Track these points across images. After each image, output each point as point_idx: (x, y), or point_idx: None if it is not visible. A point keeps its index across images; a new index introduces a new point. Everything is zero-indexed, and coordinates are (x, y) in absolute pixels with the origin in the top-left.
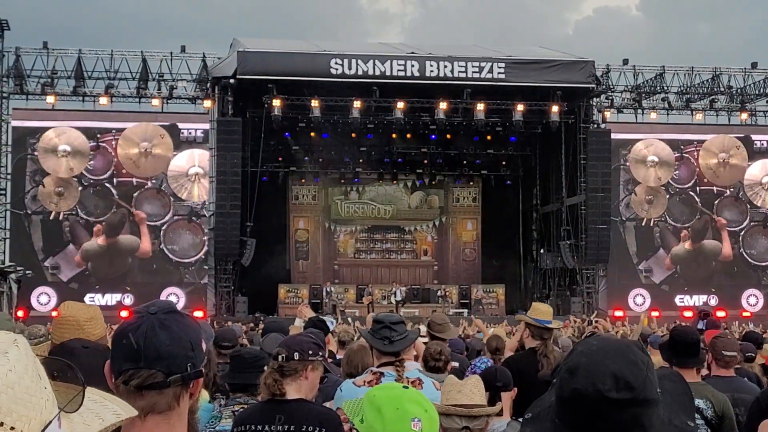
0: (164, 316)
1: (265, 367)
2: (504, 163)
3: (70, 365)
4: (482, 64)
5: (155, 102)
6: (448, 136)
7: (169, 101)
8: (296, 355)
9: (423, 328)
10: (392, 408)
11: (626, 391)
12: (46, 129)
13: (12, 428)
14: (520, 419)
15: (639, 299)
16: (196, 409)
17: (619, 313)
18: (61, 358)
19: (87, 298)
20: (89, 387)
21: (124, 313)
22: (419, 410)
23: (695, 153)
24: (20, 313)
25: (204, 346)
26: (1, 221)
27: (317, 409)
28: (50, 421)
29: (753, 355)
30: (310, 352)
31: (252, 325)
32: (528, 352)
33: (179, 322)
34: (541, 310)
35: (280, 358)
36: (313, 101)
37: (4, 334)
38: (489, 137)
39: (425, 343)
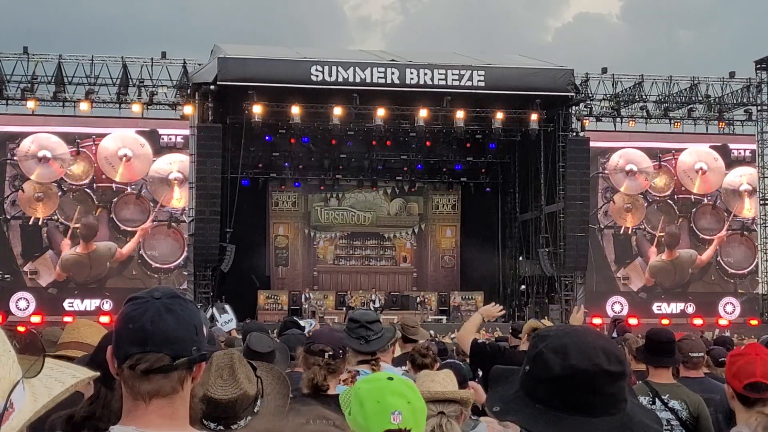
0: (169, 300)
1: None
2: (483, 170)
3: (32, 331)
4: (462, 72)
5: (135, 108)
6: (428, 143)
7: (149, 107)
8: (341, 354)
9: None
10: (373, 401)
11: (617, 364)
12: (26, 134)
13: None
14: None
15: (617, 307)
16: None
17: (597, 321)
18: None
19: (66, 304)
20: (48, 357)
21: (104, 318)
22: (401, 402)
23: (673, 161)
24: None
25: (205, 330)
26: None
27: None
28: (17, 381)
29: (724, 360)
30: (347, 351)
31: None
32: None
33: (183, 307)
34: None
35: (326, 355)
36: (293, 108)
37: None
38: (468, 145)
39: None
